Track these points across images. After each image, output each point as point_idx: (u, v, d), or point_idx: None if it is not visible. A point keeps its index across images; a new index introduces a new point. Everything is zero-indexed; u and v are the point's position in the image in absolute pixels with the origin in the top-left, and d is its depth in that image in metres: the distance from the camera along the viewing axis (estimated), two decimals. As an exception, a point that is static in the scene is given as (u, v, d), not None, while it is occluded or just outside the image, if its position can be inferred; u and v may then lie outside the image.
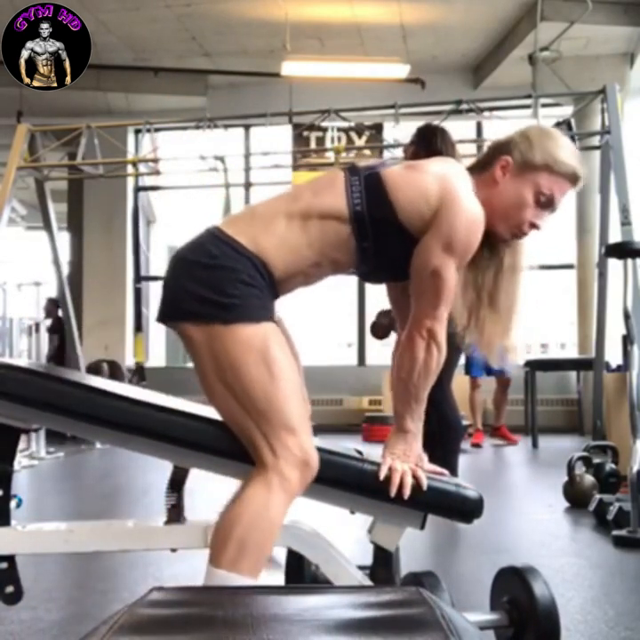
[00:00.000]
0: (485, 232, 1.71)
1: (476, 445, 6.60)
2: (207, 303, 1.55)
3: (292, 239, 1.62)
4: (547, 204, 1.73)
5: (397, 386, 1.72)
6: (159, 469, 2.02)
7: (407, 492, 1.62)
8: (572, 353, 8.20)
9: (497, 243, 1.79)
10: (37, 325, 6.66)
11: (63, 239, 8.84)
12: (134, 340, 9.35)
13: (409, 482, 1.63)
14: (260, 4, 7.28)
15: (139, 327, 9.49)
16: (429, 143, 3.62)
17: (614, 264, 4.57)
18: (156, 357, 10.32)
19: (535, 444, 6.47)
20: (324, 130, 7.05)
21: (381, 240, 1.66)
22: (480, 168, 1.76)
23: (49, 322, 8.00)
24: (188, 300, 1.58)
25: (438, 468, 1.80)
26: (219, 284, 1.56)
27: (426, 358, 1.66)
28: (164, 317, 1.65)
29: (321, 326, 9.64)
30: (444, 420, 3.32)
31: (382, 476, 1.64)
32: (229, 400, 1.58)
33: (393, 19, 7.61)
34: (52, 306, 8.29)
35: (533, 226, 1.74)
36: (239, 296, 1.55)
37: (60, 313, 7.86)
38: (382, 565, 1.77)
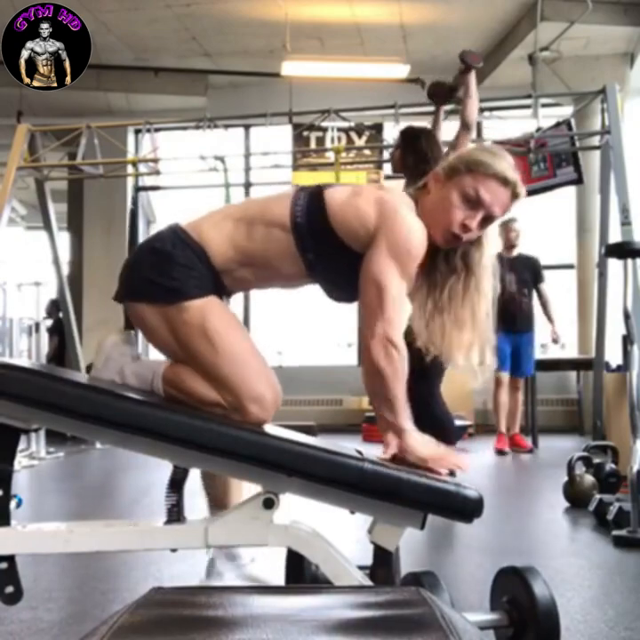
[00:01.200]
0: (434, 246, 1.83)
1: (501, 452, 6.08)
2: (155, 286, 1.80)
3: (236, 238, 1.82)
4: (475, 203, 1.80)
5: (378, 401, 1.78)
6: (159, 469, 2.02)
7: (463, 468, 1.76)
8: (572, 353, 8.20)
9: (452, 258, 1.89)
10: (37, 325, 6.66)
11: (63, 239, 8.83)
12: None
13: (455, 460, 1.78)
14: (259, 4, 7.28)
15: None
16: (414, 146, 3.68)
17: (614, 264, 4.57)
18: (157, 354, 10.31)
19: (535, 444, 6.46)
20: (324, 130, 7.04)
21: (324, 254, 1.81)
22: (423, 188, 1.88)
23: (49, 322, 8.01)
24: (141, 283, 1.83)
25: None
26: (163, 268, 1.80)
27: (390, 364, 1.73)
28: (121, 296, 1.90)
29: (321, 326, 9.63)
30: (436, 420, 3.30)
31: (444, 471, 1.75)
32: (189, 361, 1.84)
33: (393, 19, 7.61)
34: (54, 308, 8.29)
35: (464, 227, 1.80)
36: (179, 278, 1.79)
37: (61, 314, 7.86)
38: (382, 565, 1.77)
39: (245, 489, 2.10)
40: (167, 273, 1.80)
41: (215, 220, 1.88)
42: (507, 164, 1.80)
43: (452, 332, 1.87)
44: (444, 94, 4.00)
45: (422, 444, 1.77)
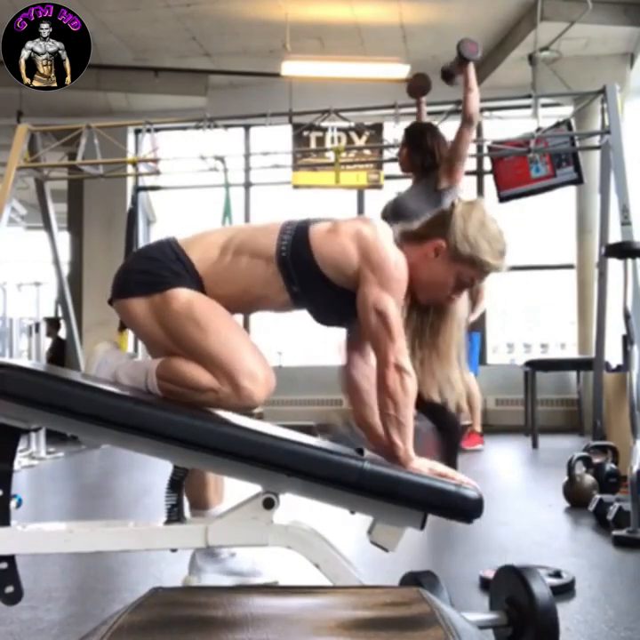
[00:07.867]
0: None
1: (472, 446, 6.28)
2: (144, 281, 1.89)
3: (222, 267, 1.90)
4: (466, 285, 1.98)
5: (388, 422, 1.83)
6: (159, 469, 2.02)
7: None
8: (572, 353, 8.19)
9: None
10: (37, 325, 6.66)
11: (63, 239, 8.82)
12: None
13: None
14: (260, 4, 7.28)
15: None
16: (420, 143, 3.71)
17: (614, 264, 4.57)
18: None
19: (535, 444, 6.46)
20: (324, 130, 7.03)
21: (308, 286, 1.89)
22: (416, 239, 1.96)
23: (49, 342, 8.05)
24: (132, 279, 1.93)
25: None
26: (154, 269, 1.90)
27: (403, 390, 1.81)
28: (114, 296, 1.98)
29: (321, 326, 9.63)
30: (441, 419, 3.30)
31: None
32: (179, 347, 1.87)
33: (393, 19, 7.61)
34: (53, 327, 8.30)
35: (450, 299, 1.98)
36: (168, 276, 1.88)
37: (61, 333, 7.90)
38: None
39: (226, 489, 2.15)
40: (158, 272, 1.89)
41: (204, 246, 1.95)
42: (501, 255, 1.93)
43: (434, 364, 1.99)
44: (421, 88, 4.24)
45: (426, 467, 1.83)
